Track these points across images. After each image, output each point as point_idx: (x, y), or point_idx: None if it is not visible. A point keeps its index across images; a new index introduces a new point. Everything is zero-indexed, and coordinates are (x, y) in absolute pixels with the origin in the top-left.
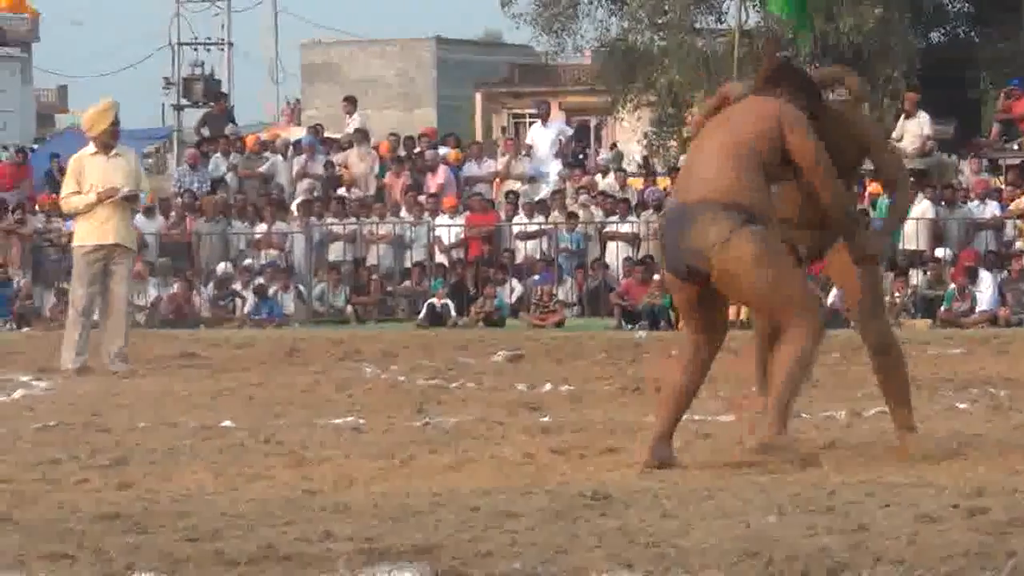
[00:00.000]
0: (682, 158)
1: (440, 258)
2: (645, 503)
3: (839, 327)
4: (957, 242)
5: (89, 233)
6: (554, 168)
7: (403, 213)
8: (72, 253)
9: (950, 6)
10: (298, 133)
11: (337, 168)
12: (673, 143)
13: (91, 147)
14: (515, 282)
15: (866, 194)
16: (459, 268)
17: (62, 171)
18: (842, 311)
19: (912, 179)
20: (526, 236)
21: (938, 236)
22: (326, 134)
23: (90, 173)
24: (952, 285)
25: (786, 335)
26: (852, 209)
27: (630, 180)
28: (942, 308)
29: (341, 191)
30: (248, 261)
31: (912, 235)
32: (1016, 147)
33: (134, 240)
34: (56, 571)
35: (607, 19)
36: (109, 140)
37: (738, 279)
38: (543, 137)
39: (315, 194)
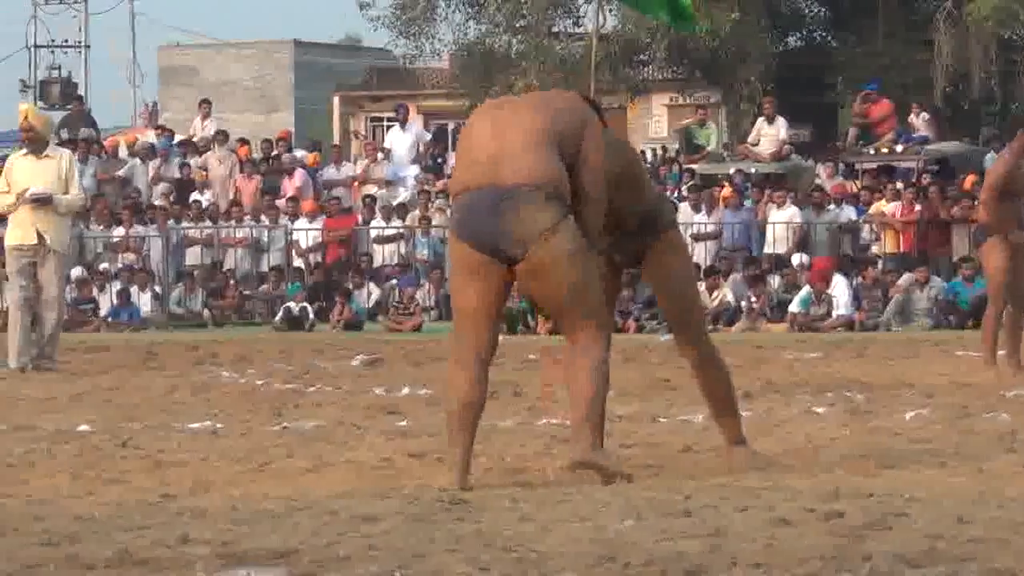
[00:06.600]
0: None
1: (297, 262)
2: (502, 507)
3: None
4: (824, 246)
5: (13, 233)
6: (412, 172)
7: (261, 217)
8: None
9: (807, 10)
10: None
11: (193, 171)
12: None
13: (25, 148)
14: (372, 286)
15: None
16: (317, 272)
17: None
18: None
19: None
20: (383, 240)
21: (803, 240)
22: (183, 137)
23: (16, 174)
24: (806, 288)
25: (580, 344)
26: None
27: None
28: (798, 312)
29: (195, 195)
30: (104, 265)
31: (773, 240)
32: (872, 151)
33: (61, 240)
34: None
35: (465, 23)
36: (27, 143)
37: (549, 274)
38: (401, 141)
39: (171, 198)
